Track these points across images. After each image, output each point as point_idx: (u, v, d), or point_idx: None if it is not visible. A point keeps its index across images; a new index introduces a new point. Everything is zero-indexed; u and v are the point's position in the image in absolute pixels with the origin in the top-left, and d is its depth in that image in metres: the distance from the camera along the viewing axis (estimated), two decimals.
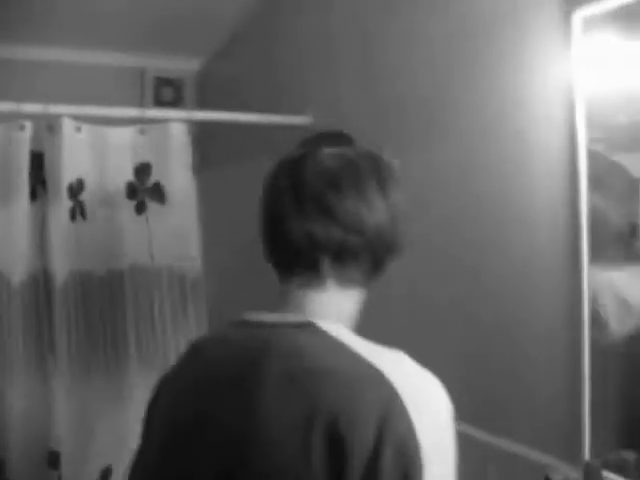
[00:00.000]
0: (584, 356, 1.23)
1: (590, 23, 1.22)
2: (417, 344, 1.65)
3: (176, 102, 2.77)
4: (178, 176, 1.86)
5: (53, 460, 1.72)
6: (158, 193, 1.85)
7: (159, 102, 2.73)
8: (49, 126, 1.75)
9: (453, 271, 1.52)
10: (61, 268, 1.71)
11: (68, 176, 1.74)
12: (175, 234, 1.86)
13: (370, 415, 0.77)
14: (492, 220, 1.42)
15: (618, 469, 1.18)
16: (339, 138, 1.02)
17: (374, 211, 0.93)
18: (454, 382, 1.57)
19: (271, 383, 0.84)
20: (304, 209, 0.91)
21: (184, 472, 0.89)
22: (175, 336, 1.86)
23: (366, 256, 0.94)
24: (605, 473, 1.15)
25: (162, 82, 2.76)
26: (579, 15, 1.22)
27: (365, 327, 0.95)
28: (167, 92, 2.78)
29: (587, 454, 1.21)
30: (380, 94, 1.76)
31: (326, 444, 0.77)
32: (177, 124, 1.86)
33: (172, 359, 1.78)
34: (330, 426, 0.77)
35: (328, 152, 0.96)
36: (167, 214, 1.86)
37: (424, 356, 1.62)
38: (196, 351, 1.02)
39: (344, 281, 0.94)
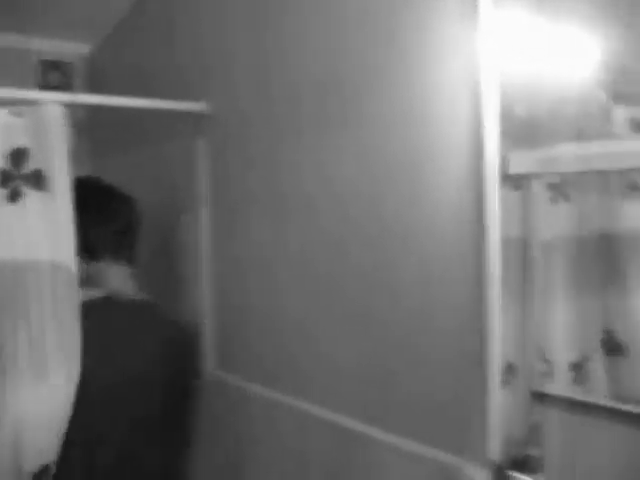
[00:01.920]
0: (491, 351, 1.18)
1: None
2: (315, 336, 1.59)
3: (64, 87, 2.60)
4: (56, 162, 1.70)
5: None
6: (36, 180, 1.69)
7: (46, 87, 2.55)
8: None
9: (353, 265, 1.44)
10: None
11: None
12: (54, 225, 1.70)
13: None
14: (395, 215, 1.35)
15: (522, 467, 1.13)
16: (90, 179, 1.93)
17: (134, 221, 1.92)
18: (350, 378, 1.51)
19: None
20: (104, 220, 1.88)
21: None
22: (59, 337, 1.70)
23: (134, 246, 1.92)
24: (511, 472, 1.09)
25: (49, 66, 2.58)
26: None
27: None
28: (54, 76, 2.60)
29: (493, 452, 1.16)
30: (275, 81, 1.68)
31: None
32: (54, 106, 1.69)
33: (54, 361, 1.68)
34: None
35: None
36: (46, 203, 1.70)
37: (321, 349, 1.56)
38: None
39: (129, 260, 1.90)
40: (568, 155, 1.45)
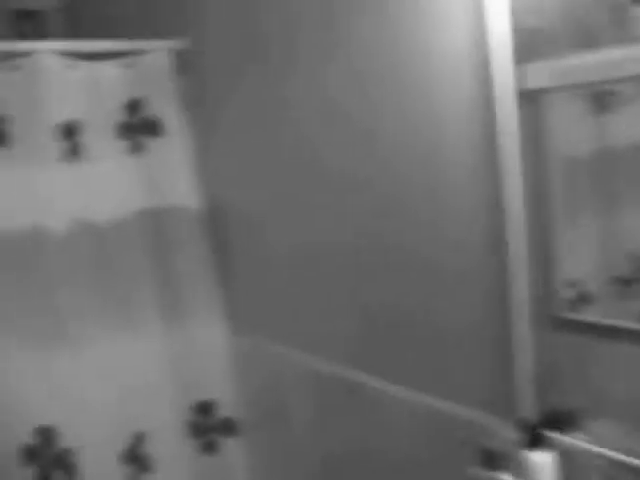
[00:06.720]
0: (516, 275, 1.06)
1: None
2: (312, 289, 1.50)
3: (39, 36, 2.44)
4: (171, 107, 1.74)
5: None
6: (153, 128, 1.72)
7: (21, 37, 2.41)
8: None
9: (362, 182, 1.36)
10: None
11: None
12: (175, 169, 1.73)
13: None
14: (403, 134, 1.26)
15: (555, 425, 1.01)
16: None
17: None
18: (359, 328, 1.40)
19: None
20: None
21: None
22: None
23: None
24: (547, 432, 0.98)
25: (22, 15, 2.44)
26: None
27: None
28: (28, 26, 2.45)
29: (523, 409, 1.05)
30: (262, 18, 1.55)
31: None
32: (162, 53, 1.73)
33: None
34: None
35: None
36: (164, 149, 1.73)
37: (321, 302, 1.46)
38: None
39: None
40: (586, 64, 1.30)
